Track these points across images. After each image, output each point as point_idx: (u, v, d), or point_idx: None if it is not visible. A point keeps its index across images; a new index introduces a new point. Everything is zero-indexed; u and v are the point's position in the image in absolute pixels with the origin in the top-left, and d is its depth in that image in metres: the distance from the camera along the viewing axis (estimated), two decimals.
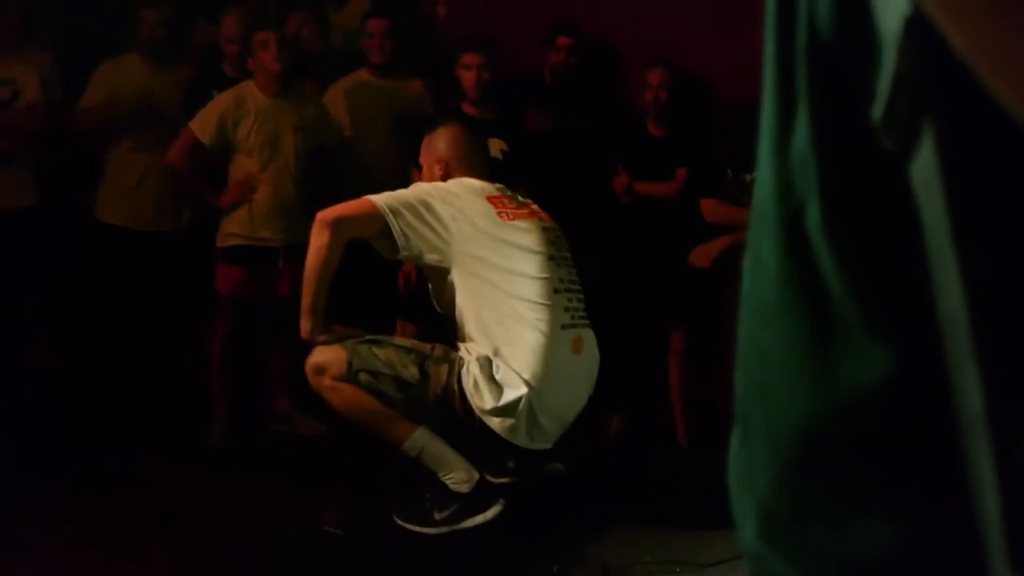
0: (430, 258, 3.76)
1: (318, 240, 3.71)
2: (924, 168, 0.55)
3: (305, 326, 3.80)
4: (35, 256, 5.26)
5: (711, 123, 4.95)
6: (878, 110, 0.58)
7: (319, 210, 4.86)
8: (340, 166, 5.36)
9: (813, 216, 0.64)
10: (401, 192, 3.81)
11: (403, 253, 3.75)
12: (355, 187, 5.38)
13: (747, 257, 0.73)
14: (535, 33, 5.46)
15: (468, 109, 5.08)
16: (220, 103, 4.99)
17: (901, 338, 0.62)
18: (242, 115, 4.95)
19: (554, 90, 5.43)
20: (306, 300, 3.78)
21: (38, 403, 5.09)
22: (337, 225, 3.71)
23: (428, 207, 3.74)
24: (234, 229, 5.03)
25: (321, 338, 3.81)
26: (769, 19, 0.69)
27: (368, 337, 3.85)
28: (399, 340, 4.04)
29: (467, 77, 5.00)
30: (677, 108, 5.13)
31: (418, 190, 3.85)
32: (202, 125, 4.95)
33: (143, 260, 5.31)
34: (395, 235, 3.68)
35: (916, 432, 0.62)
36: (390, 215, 3.68)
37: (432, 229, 3.72)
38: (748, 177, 4.77)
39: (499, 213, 3.81)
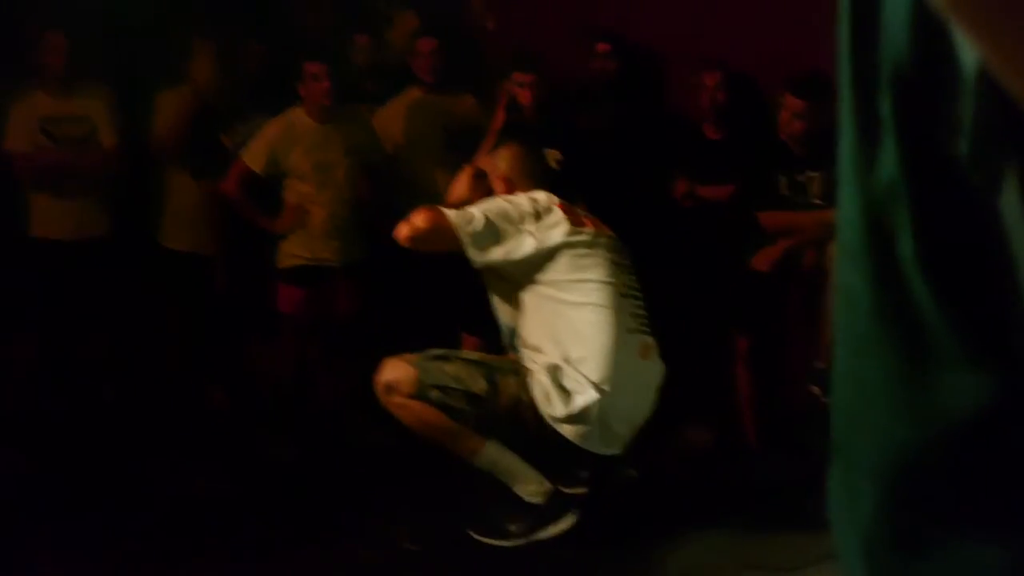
0: (500, 265, 3.80)
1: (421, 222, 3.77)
2: (1010, 204, 0.55)
3: None
4: (106, 286, 5.37)
5: (768, 125, 4.90)
6: (963, 146, 0.58)
7: (374, 226, 4.95)
8: (391, 184, 5.41)
9: (905, 246, 0.64)
10: (477, 212, 3.84)
11: (475, 261, 3.78)
12: (411, 204, 5.45)
13: (837, 288, 0.73)
14: (582, 41, 5.47)
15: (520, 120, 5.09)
16: (270, 132, 5.06)
17: (999, 367, 0.61)
18: (292, 142, 5.01)
19: (600, 98, 5.43)
20: None
21: (102, 429, 5.19)
22: (418, 245, 3.78)
23: (499, 218, 3.78)
24: (294, 250, 5.09)
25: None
26: (843, 50, 0.69)
27: (436, 353, 3.89)
28: (466, 354, 4.08)
29: (523, 95, 5.02)
30: (734, 110, 5.11)
31: (492, 202, 3.89)
32: (254, 155, 5.03)
33: (207, 283, 5.39)
34: (464, 245, 3.72)
35: (1019, 461, 0.62)
36: (461, 226, 3.72)
37: (504, 237, 3.77)
38: (800, 178, 4.74)
39: (568, 220, 3.85)
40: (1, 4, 5.34)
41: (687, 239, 5.04)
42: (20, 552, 3.93)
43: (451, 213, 3.78)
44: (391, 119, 5.55)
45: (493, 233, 3.78)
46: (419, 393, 3.79)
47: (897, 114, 0.64)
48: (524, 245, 3.79)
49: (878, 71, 0.65)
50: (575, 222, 3.89)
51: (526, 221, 3.82)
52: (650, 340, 3.93)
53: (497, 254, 3.78)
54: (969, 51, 0.56)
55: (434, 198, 5.28)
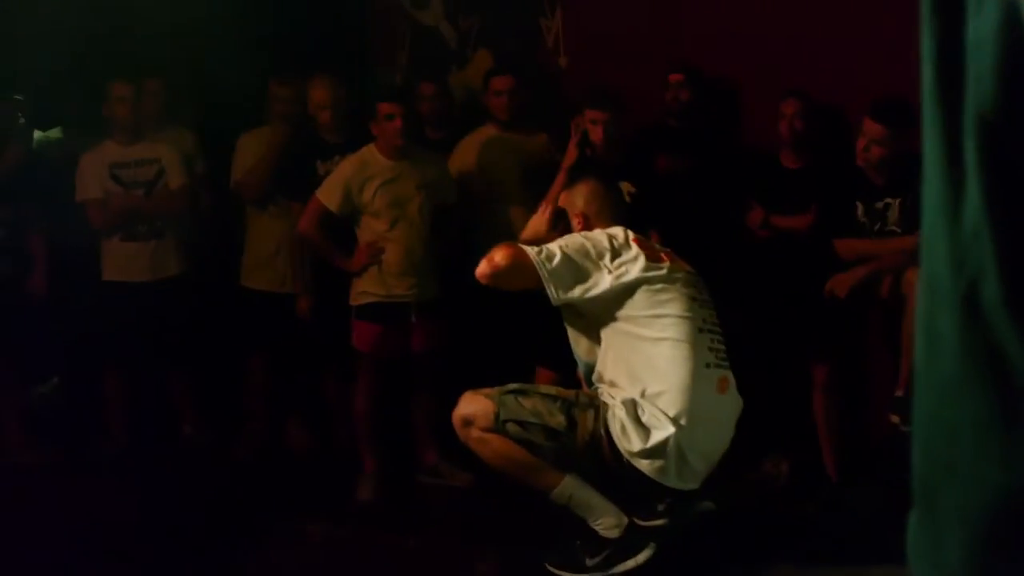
0: (578, 303, 3.82)
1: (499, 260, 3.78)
2: None
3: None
4: (183, 326, 5.49)
5: (847, 154, 4.86)
6: None
7: (447, 264, 4.99)
8: (463, 221, 5.46)
9: (990, 290, 0.64)
10: (554, 250, 3.84)
11: (555, 299, 3.80)
12: (486, 240, 5.48)
13: (920, 331, 0.73)
14: (656, 76, 5.47)
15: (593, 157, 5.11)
16: (344, 171, 5.11)
17: None
18: (366, 179, 5.06)
19: (678, 132, 5.45)
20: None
21: (188, 469, 5.29)
22: (497, 283, 3.81)
23: (578, 255, 3.81)
24: (367, 288, 5.12)
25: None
26: (927, 97, 0.70)
27: (513, 387, 3.91)
28: (543, 388, 4.07)
29: (595, 132, 5.04)
30: (813, 139, 5.08)
31: (571, 239, 3.91)
32: (329, 194, 5.08)
33: (287, 322, 5.48)
34: (544, 282, 3.75)
35: None
36: (541, 263, 3.75)
37: (582, 274, 3.79)
38: (878, 205, 4.70)
39: (645, 256, 3.86)
40: (78, 57, 5.52)
41: (763, 268, 5.01)
42: None
43: (531, 250, 3.79)
44: (466, 156, 5.61)
45: (572, 271, 3.79)
46: (497, 427, 3.81)
47: (982, 159, 0.64)
48: (602, 283, 3.79)
49: (963, 117, 0.66)
50: (652, 257, 3.88)
51: (604, 258, 3.83)
52: (728, 375, 3.90)
53: (576, 292, 3.79)
54: None
55: (509, 235, 5.33)
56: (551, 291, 3.76)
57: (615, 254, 3.84)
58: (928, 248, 0.72)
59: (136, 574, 4.18)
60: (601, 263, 3.81)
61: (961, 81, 0.66)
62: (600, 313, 3.86)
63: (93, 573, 4.17)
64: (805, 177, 5.03)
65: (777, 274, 4.96)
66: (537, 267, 3.74)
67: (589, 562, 3.86)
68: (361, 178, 5.06)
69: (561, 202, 4.23)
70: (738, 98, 5.61)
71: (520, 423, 3.79)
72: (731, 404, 3.92)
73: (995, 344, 0.65)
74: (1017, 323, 0.63)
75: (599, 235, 3.93)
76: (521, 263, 3.77)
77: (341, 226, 5.17)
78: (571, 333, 4.03)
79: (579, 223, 4.10)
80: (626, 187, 4.97)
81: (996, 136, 0.63)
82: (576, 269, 3.79)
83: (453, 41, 6.43)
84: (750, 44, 5.37)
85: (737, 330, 4.12)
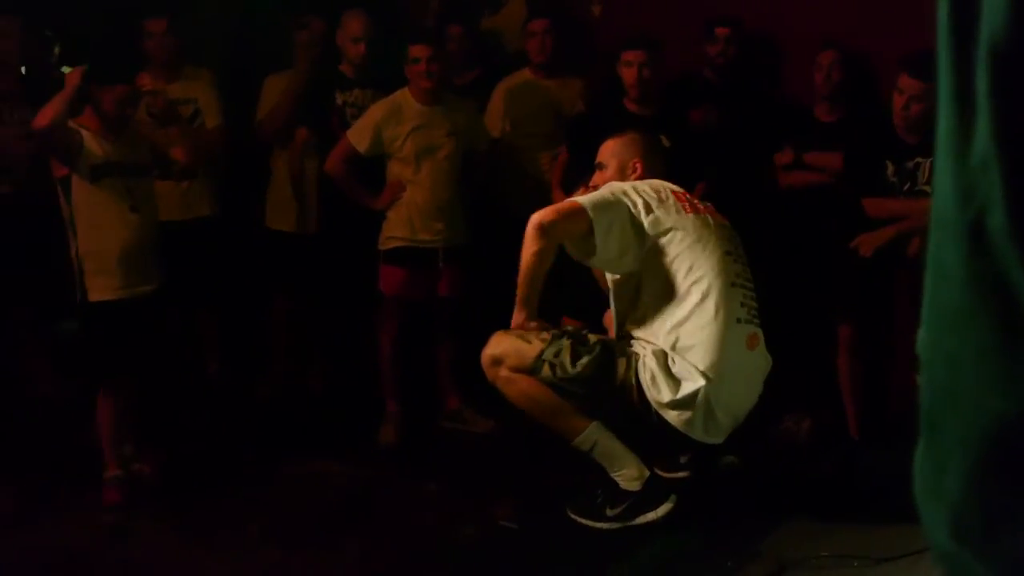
0: (622, 260, 3.81)
1: (535, 245, 3.75)
2: None
3: (518, 317, 3.87)
4: (213, 266, 5.52)
5: (880, 110, 4.79)
6: None
7: (474, 209, 4.98)
8: (493, 168, 5.44)
9: (996, 221, 0.64)
10: (601, 194, 3.84)
11: (600, 255, 3.79)
12: (516, 185, 5.47)
13: (929, 263, 0.73)
14: (691, 28, 5.41)
15: (630, 106, 5.07)
16: (376, 112, 5.11)
17: None
18: (398, 124, 5.05)
19: (716, 85, 5.40)
20: (522, 293, 3.85)
21: (215, 409, 5.34)
22: (551, 231, 3.76)
23: (625, 208, 3.79)
24: (395, 232, 5.14)
25: (532, 325, 3.86)
26: (942, 29, 0.69)
27: (553, 331, 3.90)
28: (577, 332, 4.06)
29: (628, 74, 4.98)
30: (850, 91, 5.02)
31: (614, 189, 3.88)
32: (359, 135, 5.08)
33: (310, 264, 5.50)
34: (596, 237, 3.73)
35: None
36: (596, 217, 3.73)
37: (631, 228, 3.77)
38: (909, 164, 4.63)
39: (684, 207, 3.84)
40: None
41: (791, 226, 4.98)
42: (133, 530, 4.08)
43: (587, 204, 3.77)
44: (500, 98, 5.61)
45: (620, 223, 3.77)
46: (534, 366, 3.80)
47: (993, 89, 0.64)
48: (644, 236, 3.79)
49: (975, 48, 0.65)
50: (689, 210, 3.87)
51: (640, 214, 3.81)
52: (758, 331, 3.87)
53: (621, 248, 3.79)
54: None
55: (538, 182, 5.31)
56: (600, 247, 3.75)
57: (660, 206, 3.82)
58: (938, 181, 0.72)
59: (156, 512, 4.22)
60: (645, 220, 3.79)
61: (975, 12, 0.65)
62: (635, 267, 3.84)
63: (114, 508, 4.22)
64: (839, 131, 4.98)
65: (805, 232, 4.93)
66: (592, 221, 3.72)
67: (610, 511, 3.87)
68: (392, 122, 5.05)
69: (608, 148, 4.19)
70: (779, 52, 5.54)
71: (551, 364, 3.79)
72: (760, 361, 3.91)
73: (999, 274, 0.65)
74: (1022, 253, 0.63)
75: (644, 187, 3.90)
76: (579, 218, 3.75)
77: (370, 166, 5.16)
78: (612, 289, 4.02)
79: (635, 171, 4.08)
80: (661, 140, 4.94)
81: (1008, 66, 0.63)
82: (624, 226, 3.78)
83: None
84: None
85: (763, 284, 4.10)
